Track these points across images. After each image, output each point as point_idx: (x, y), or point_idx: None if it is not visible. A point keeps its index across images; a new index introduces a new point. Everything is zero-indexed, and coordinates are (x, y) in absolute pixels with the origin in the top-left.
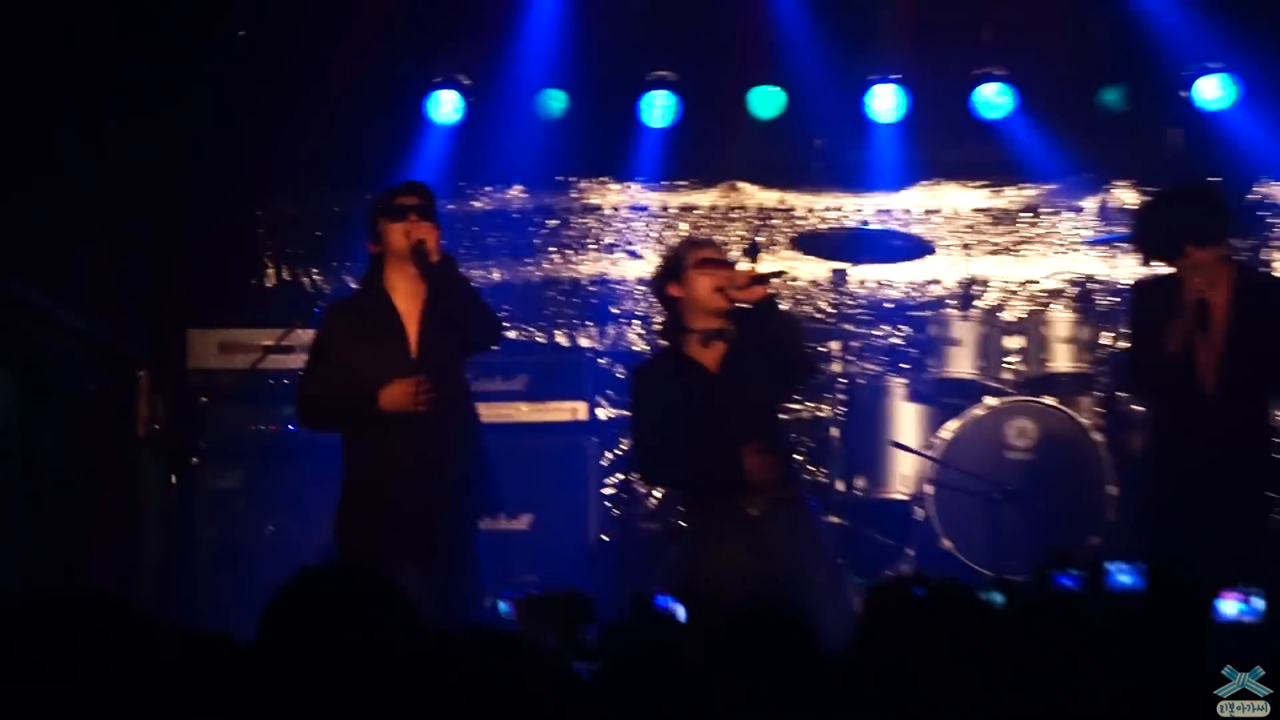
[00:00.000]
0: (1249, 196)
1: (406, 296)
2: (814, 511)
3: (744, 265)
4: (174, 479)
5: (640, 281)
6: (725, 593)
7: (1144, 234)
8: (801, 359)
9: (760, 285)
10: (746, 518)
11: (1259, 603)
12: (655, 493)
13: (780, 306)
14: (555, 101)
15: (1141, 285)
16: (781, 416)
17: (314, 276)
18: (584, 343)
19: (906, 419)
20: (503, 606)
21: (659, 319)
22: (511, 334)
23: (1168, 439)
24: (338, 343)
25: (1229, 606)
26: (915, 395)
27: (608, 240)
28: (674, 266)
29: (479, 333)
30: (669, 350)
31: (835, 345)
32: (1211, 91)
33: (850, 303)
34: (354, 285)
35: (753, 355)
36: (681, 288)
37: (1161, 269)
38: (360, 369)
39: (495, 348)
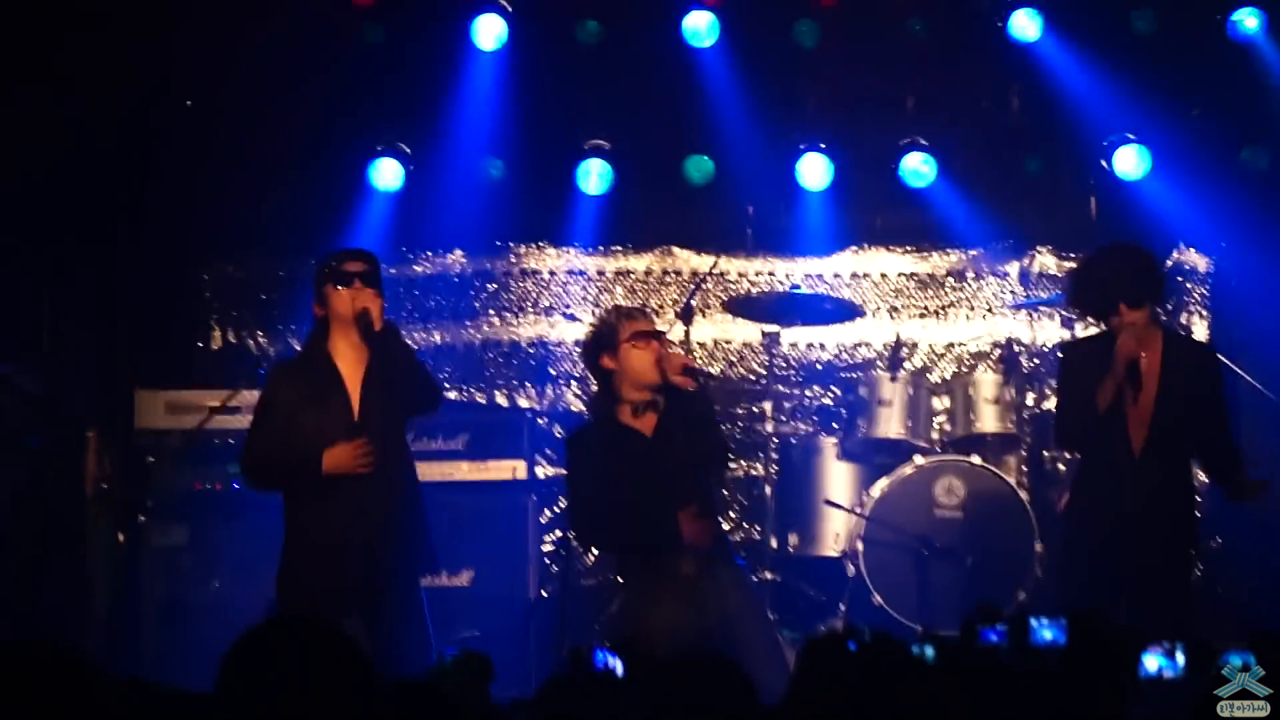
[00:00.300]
0: (1166, 263)
1: (349, 360)
2: (744, 570)
3: (678, 330)
4: (121, 536)
5: (577, 344)
6: (662, 648)
7: (1079, 291)
8: (719, 451)
9: (690, 377)
10: (681, 576)
11: (1180, 658)
12: (593, 551)
13: (704, 400)
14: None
15: (1070, 344)
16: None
17: (259, 339)
18: (523, 403)
19: (838, 477)
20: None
21: (591, 387)
22: (452, 394)
23: (1091, 496)
24: (282, 403)
25: (1151, 662)
26: (846, 454)
27: (545, 304)
28: (607, 339)
29: (419, 399)
30: (602, 419)
31: (767, 406)
32: (1128, 162)
33: (782, 364)
34: (298, 347)
35: (683, 423)
36: (616, 360)
37: (1089, 329)
38: (304, 429)
39: (435, 412)
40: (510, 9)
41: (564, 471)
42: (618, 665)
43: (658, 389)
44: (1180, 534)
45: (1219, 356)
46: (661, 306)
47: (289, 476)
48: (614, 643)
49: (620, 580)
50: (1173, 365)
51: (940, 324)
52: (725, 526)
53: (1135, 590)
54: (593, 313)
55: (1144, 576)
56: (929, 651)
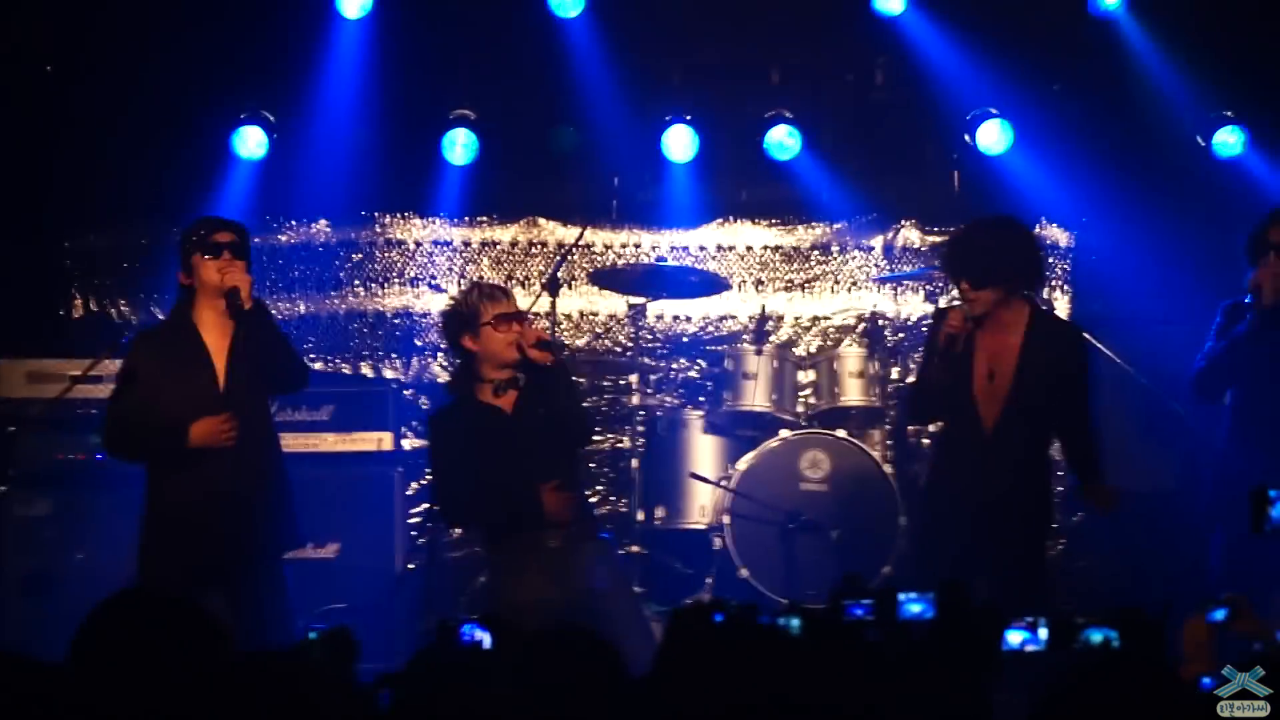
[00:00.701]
0: None
1: (215, 331)
2: (610, 543)
3: (544, 302)
4: None
5: (441, 316)
6: (527, 621)
7: (948, 260)
8: (579, 425)
9: (547, 350)
10: (546, 550)
11: (1043, 633)
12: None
13: (562, 374)
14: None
15: (937, 313)
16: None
17: (121, 307)
18: (388, 374)
19: (704, 450)
20: (312, 636)
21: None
22: (317, 365)
23: (944, 473)
24: (144, 373)
25: (1014, 636)
26: (712, 427)
27: (411, 274)
28: (469, 320)
29: (287, 379)
30: (463, 398)
31: (633, 378)
32: (991, 136)
33: (648, 337)
34: (161, 316)
35: (542, 398)
36: (476, 342)
37: (953, 302)
38: (167, 400)
39: (302, 390)
40: None
41: (428, 453)
42: (485, 638)
43: (517, 367)
44: (1033, 512)
45: (1086, 338)
46: (527, 278)
47: (153, 447)
48: (482, 616)
49: (486, 554)
50: (1034, 344)
51: (805, 297)
52: (591, 500)
53: (991, 567)
54: (458, 284)
55: (998, 553)
56: (794, 623)
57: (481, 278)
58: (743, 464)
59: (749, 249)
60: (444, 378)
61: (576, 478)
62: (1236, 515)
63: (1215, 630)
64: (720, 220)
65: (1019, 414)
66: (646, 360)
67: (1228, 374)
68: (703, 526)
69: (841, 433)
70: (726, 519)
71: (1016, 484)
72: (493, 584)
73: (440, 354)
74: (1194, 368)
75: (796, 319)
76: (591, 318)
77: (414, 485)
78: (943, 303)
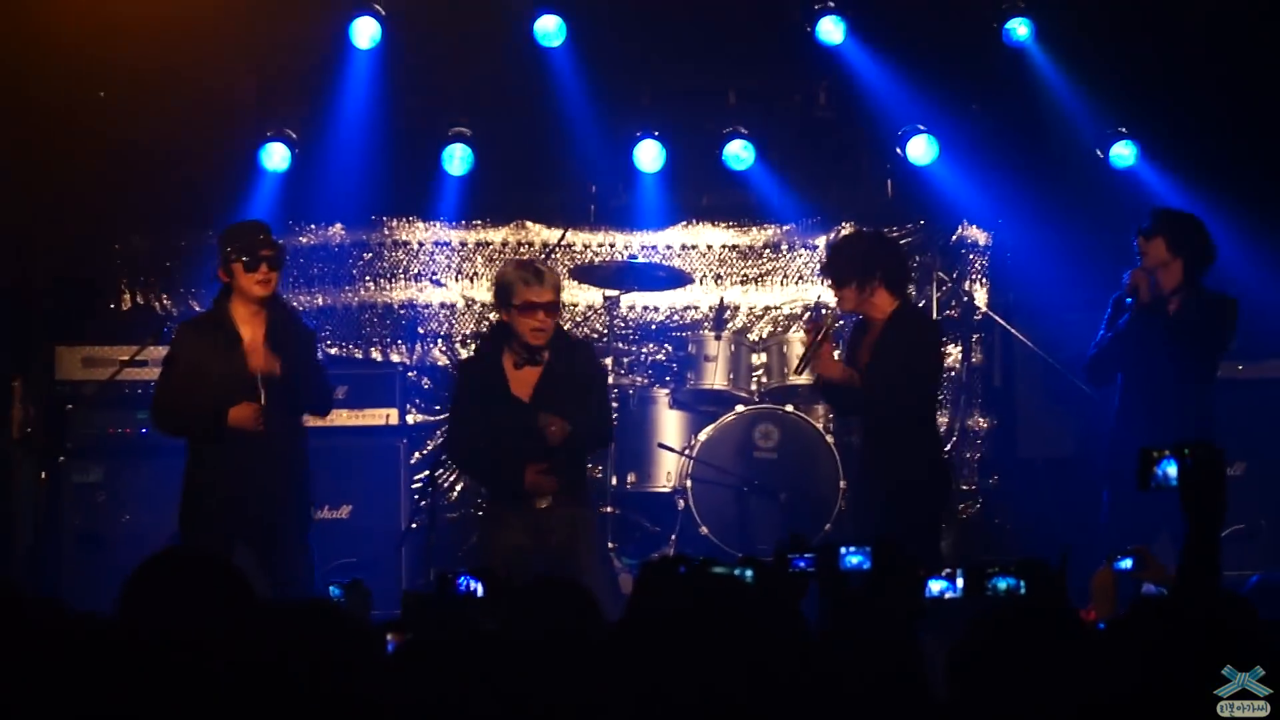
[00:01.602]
0: (953, 237)
1: (249, 324)
2: (593, 512)
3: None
4: (44, 475)
5: (443, 305)
6: (506, 569)
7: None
8: (599, 427)
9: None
10: (531, 509)
11: (960, 582)
12: (457, 486)
13: (591, 376)
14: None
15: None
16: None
17: (164, 301)
18: (395, 358)
19: (669, 424)
20: (334, 590)
21: (455, 344)
22: (333, 350)
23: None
24: (186, 358)
25: (935, 585)
26: (676, 403)
27: (415, 271)
28: (502, 295)
29: (313, 404)
30: (491, 356)
31: (608, 361)
32: (919, 149)
33: (621, 325)
34: (198, 308)
35: (562, 384)
36: (507, 317)
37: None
38: (207, 384)
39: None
40: (384, 13)
41: (451, 392)
42: (479, 588)
43: (536, 351)
44: (903, 493)
45: (921, 323)
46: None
47: (194, 425)
48: (475, 568)
49: (479, 512)
50: (884, 339)
51: (758, 290)
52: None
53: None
54: (456, 279)
55: (878, 512)
56: (748, 574)
57: (476, 275)
58: (703, 435)
59: (709, 248)
60: (444, 361)
61: (575, 462)
62: (1123, 477)
63: (1119, 578)
64: (684, 223)
65: (871, 400)
66: (620, 345)
67: (1115, 361)
68: (668, 490)
69: (790, 408)
70: (689, 484)
71: (892, 459)
72: (481, 532)
73: (440, 340)
74: (1087, 356)
75: (750, 308)
76: (572, 308)
77: (416, 455)
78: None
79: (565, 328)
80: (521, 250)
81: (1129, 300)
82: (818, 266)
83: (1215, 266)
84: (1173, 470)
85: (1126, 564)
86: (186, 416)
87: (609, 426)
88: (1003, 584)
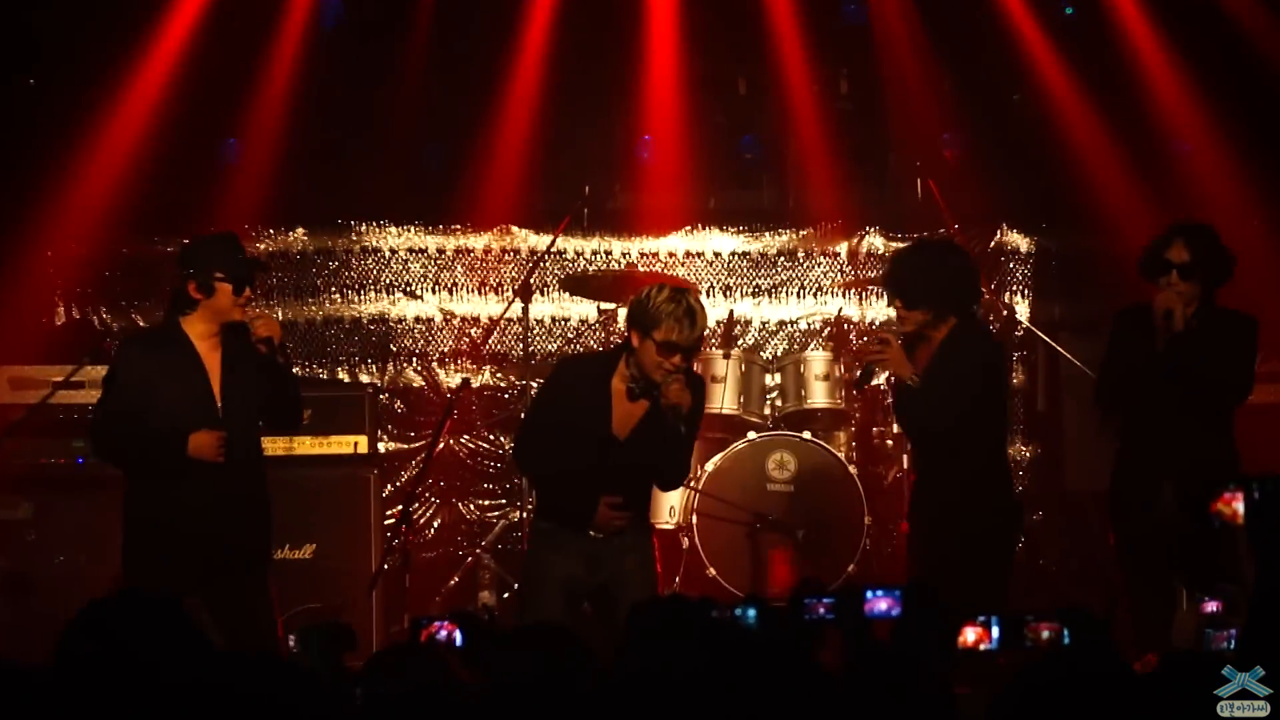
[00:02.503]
0: (991, 243)
1: (207, 343)
2: (650, 547)
3: (516, 307)
4: None
5: (418, 320)
6: (550, 595)
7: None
8: (677, 471)
9: (684, 397)
10: (588, 536)
11: (995, 631)
12: (434, 523)
13: (683, 428)
14: None
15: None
16: None
17: (103, 314)
18: (364, 379)
19: None
20: (292, 640)
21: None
22: (295, 370)
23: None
24: (134, 378)
25: (968, 633)
26: None
27: (387, 281)
28: (643, 323)
29: (283, 419)
30: (602, 368)
31: None
32: (955, 146)
33: (618, 341)
34: (141, 323)
35: (659, 428)
36: (638, 342)
37: None
38: (163, 408)
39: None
40: None
41: (541, 385)
42: (457, 636)
43: (655, 388)
44: (972, 512)
45: (982, 343)
46: (500, 284)
47: (147, 454)
48: (454, 614)
49: (535, 515)
50: (938, 360)
51: (772, 302)
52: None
53: (947, 568)
54: (433, 290)
55: (952, 555)
56: (750, 614)
57: (456, 285)
58: (711, 465)
59: (717, 255)
60: (419, 382)
61: (645, 501)
62: (1127, 514)
63: None
64: (689, 227)
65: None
66: None
67: (1128, 392)
68: (671, 527)
69: (807, 434)
70: (694, 519)
71: (949, 491)
72: (533, 549)
73: (415, 358)
74: (1097, 384)
75: (764, 323)
76: (564, 323)
77: (389, 487)
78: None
79: (555, 346)
80: (506, 258)
81: (1163, 329)
82: (880, 276)
83: None
84: (1240, 506)
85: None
86: (136, 443)
87: (686, 471)
88: (1045, 633)
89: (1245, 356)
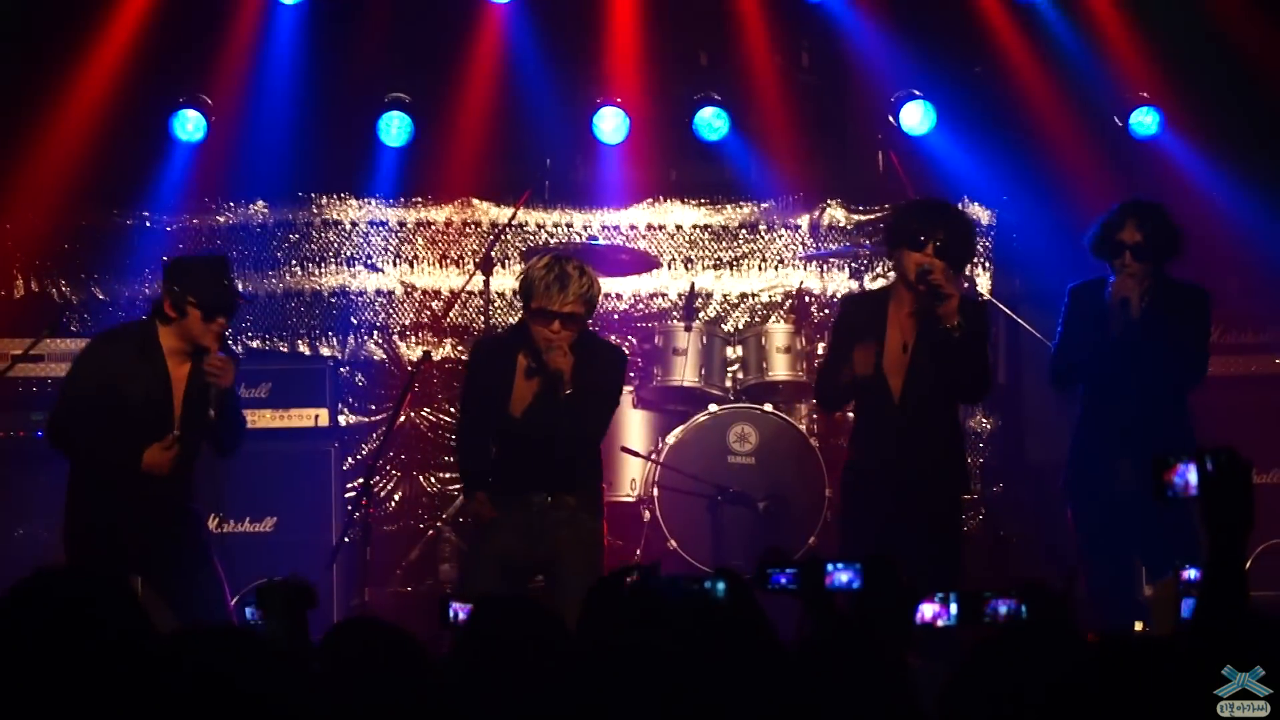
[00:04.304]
0: None
1: (176, 358)
2: (599, 518)
3: (478, 280)
4: None
5: (379, 293)
6: (488, 569)
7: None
8: (575, 448)
9: (563, 363)
10: (529, 512)
11: (954, 608)
12: (395, 495)
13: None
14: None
15: (848, 299)
16: None
17: (62, 287)
18: (325, 352)
19: (634, 425)
20: (249, 611)
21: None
22: (255, 343)
23: (863, 447)
24: (104, 377)
25: (927, 610)
26: (642, 402)
27: (348, 254)
28: (523, 296)
29: (227, 445)
30: (505, 353)
31: None
32: (914, 117)
33: None
34: (101, 295)
35: (555, 400)
36: (525, 316)
37: (876, 280)
38: (121, 410)
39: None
40: None
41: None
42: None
43: (539, 366)
44: (949, 481)
45: (982, 305)
46: (461, 257)
47: (93, 453)
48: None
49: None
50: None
51: (733, 275)
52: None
53: (910, 538)
54: (394, 264)
55: (917, 524)
56: (720, 586)
57: (417, 258)
58: (672, 438)
59: (678, 228)
60: (380, 355)
61: (584, 462)
62: (1085, 492)
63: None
64: (650, 200)
65: (920, 379)
66: None
67: (1082, 373)
68: (632, 499)
69: (769, 407)
70: (656, 492)
71: (928, 453)
72: (473, 530)
73: (376, 331)
74: (1052, 363)
75: (725, 296)
76: None
77: (350, 460)
78: (868, 283)
79: (517, 319)
80: (467, 231)
81: (1120, 315)
82: (950, 240)
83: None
84: (1193, 478)
85: (1194, 574)
86: (89, 442)
87: (587, 442)
88: (1003, 609)
89: (1200, 335)
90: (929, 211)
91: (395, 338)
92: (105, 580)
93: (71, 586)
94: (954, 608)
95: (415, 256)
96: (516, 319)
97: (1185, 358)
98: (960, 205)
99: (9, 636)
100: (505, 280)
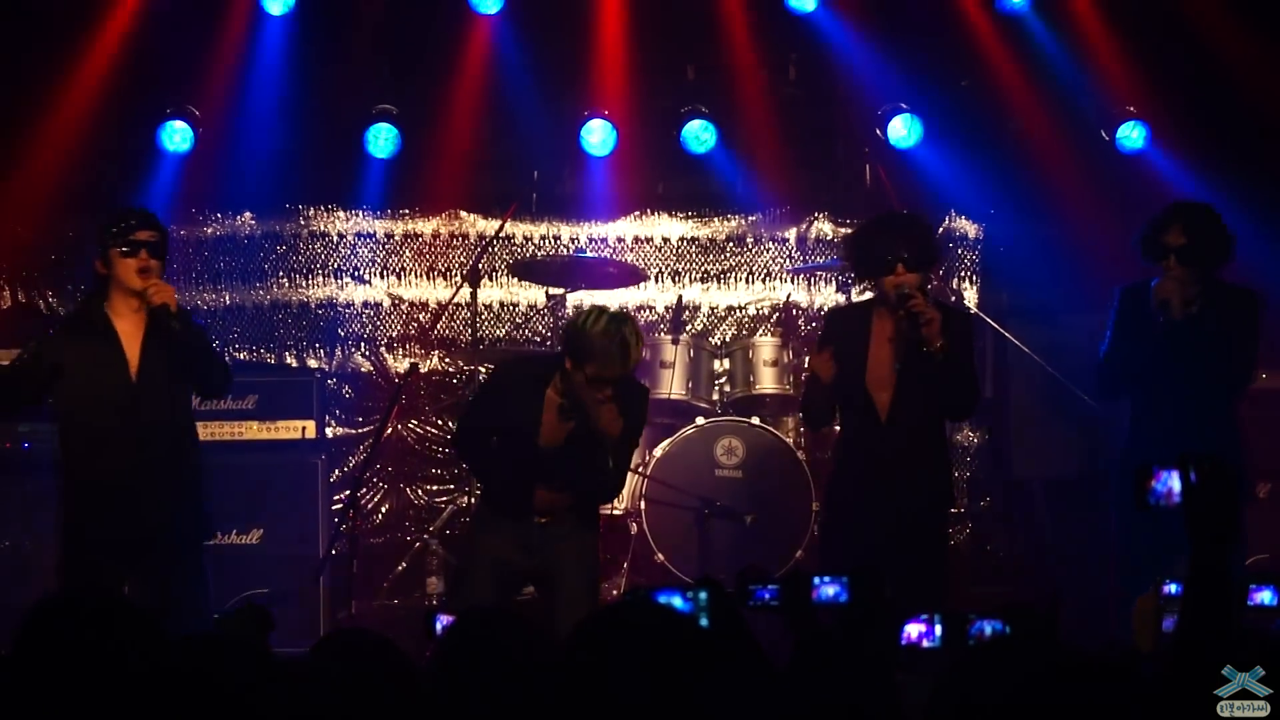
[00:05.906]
0: (939, 230)
1: (128, 320)
2: (595, 531)
3: (465, 293)
4: None
5: (366, 305)
6: (481, 576)
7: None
8: (608, 491)
9: (614, 427)
10: (525, 523)
11: (938, 629)
12: (382, 508)
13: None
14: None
15: (833, 313)
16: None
17: (49, 299)
18: (312, 363)
19: None
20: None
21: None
22: (241, 355)
23: (847, 460)
24: (53, 356)
25: (912, 629)
26: None
27: (335, 266)
28: (576, 353)
29: (208, 385)
30: (539, 376)
31: None
32: (901, 130)
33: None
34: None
35: (586, 447)
36: (570, 366)
37: (863, 294)
38: (77, 388)
39: (227, 393)
40: None
41: (484, 383)
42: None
43: (581, 411)
44: (934, 494)
45: (968, 316)
46: (449, 269)
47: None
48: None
49: (480, 497)
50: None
51: (721, 288)
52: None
53: (893, 553)
54: (382, 275)
55: (901, 539)
56: (703, 596)
57: (404, 270)
58: (659, 451)
59: (665, 241)
60: (367, 367)
61: (587, 481)
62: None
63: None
64: (637, 213)
65: (910, 397)
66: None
67: (1133, 378)
68: (619, 512)
69: (756, 420)
70: (643, 505)
71: (913, 468)
72: (470, 530)
73: (363, 343)
74: (1101, 367)
75: (712, 309)
76: (512, 308)
77: (337, 473)
78: (855, 296)
79: (504, 331)
80: (455, 243)
81: (1159, 318)
82: (914, 250)
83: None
84: (1176, 485)
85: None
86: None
87: (620, 484)
88: (988, 629)
89: (1244, 339)
90: (883, 231)
91: (383, 350)
92: (107, 610)
93: (79, 622)
94: (939, 629)
95: (402, 268)
96: (551, 352)
97: (1227, 369)
98: (947, 219)
99: (29, 677)
100: (493, 292)
